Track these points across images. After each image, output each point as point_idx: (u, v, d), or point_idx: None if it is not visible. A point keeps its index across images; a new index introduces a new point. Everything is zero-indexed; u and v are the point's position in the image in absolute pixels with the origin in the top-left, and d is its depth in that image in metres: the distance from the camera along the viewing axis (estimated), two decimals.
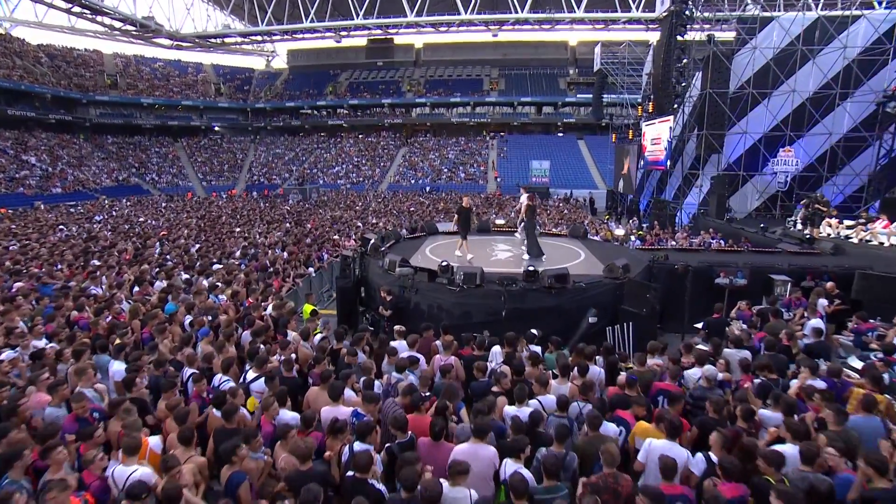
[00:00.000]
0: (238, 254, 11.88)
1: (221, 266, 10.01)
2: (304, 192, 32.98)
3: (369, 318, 9.38)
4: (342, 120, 57.06)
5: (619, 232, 14.03)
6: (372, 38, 60.55)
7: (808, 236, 12.91)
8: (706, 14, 19.75)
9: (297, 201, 30.71)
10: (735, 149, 20.08)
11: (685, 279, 8.69)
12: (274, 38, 55.63)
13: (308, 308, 8.26)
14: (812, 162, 19.62)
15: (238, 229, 16.68)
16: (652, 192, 27.94)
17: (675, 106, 19.81)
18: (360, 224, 18.68)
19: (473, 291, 7.98)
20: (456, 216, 10.38)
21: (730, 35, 20.81)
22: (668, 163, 21.65)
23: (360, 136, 57.09)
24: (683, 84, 19.20)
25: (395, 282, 8.71)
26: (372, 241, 10.25)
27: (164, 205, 30.02)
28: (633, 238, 14.10)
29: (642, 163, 25.43)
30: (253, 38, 55.66)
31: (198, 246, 12.84)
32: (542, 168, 43.06)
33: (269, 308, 7.59)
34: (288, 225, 17.95)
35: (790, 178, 19.26)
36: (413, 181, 46.30)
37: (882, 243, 13.49)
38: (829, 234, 14.36)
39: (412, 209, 25.96)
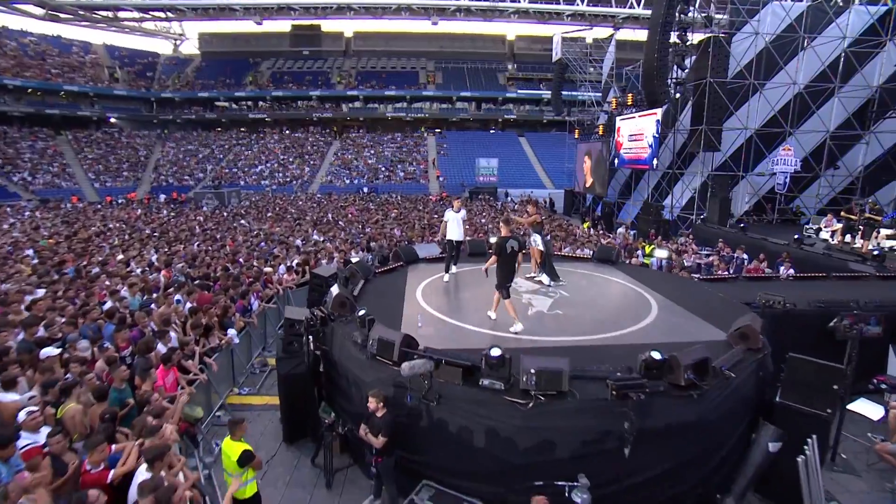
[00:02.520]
0: (107, 306, 7.18)
1: (58, 353, 5.39)
2: (222, 197, 27.21)
3: (341, 431, 5.35)
4: (264, 113, 50.81)
5: (662, 253, 10.99)
6: (297, 23, 54.65)
7: (877, 253, 10.57)
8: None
9: (213, 209, 25.01)
10: (731, 146, 17.99)
11: (848, 343, 5.61)
12: (182, 15, 47.88)
13: (237, 449, 4.10)
14: (806, 157, 18.03)
15: (121, 256, 11.58)
16: (622, 193, 25.83)
17: (677, 96, 17.30)
18: (297, 242, 14.17)
19: (557, 405, 4.25)
20: (494, 255, 6.21)
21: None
22: (655, 161, 19.23)
23: (286, 131, 51.18)
24: (686, 70, 16.68)
25: (393, 378, 4.77)
26: (336, 293, 6.16)
27: (27, 214, 23.09)
28: (658, 257, 11.09)
29: (617, 161, 23.01)
30: (154, 13, 47.54)
31: (38, 294, 7.87)
32: (490, 166, 40.62)
33: (140, 472, 3.37)
34: (196, 247, 13.03)
35: (788, 178, 17.47)
36: (348, 181, 41.82)
37: None
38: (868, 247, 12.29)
39: (358, 217, 21.62)
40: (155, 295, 7.98)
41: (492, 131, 54.57)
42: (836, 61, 17.62)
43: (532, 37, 60.51)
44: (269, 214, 21.89)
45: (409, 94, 52.95)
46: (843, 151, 18.53)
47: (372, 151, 48.03)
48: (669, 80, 17.02)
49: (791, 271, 10.81)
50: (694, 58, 17.49)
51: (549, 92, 52.45)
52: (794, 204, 18.98)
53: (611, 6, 44.20)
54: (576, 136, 29.38)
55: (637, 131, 20.42)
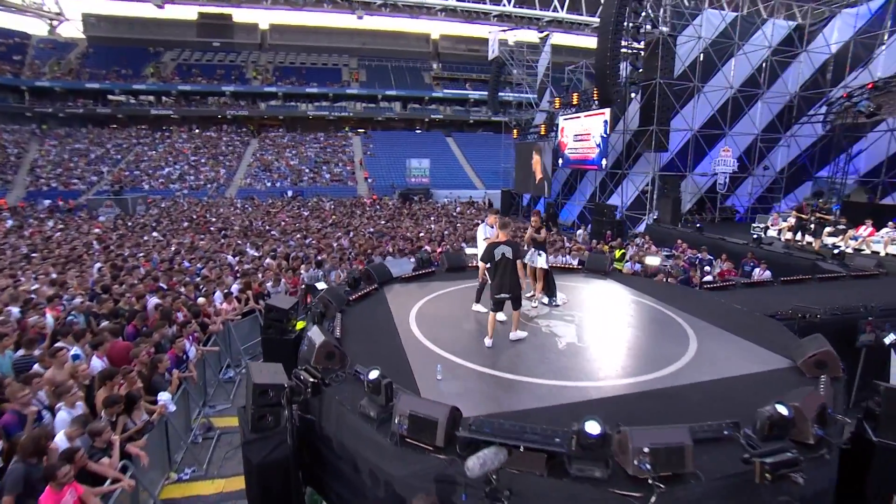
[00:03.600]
0: None
1: None
2: (125, 204, 23.24)
3: None
4: (170, 109, 45.55)
5: (654, 261, 10.40)
6: (204, 10, 49.76)
7: (836, 252, 10.82)
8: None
9: (114, 218, 21.18)
10: (677, 145, 18.33)
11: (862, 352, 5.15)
12: None
13: None
14: (741, 155, 18.92)
15: None
16: (562, 193, 25.92)
17: (633, 94, 17.21)
18: (230, 259, 11.90)
19: (680, 492, 3.11)
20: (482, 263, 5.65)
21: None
22: (604, 161, 19.16)
23: (196, 129, 46.34)
24: (640, 70, 16.58)
25: (437, 471, 3.35)
26: (321, 342, 4.56)
27: None
28: (650, 265, 10.51)
29: (561, 161, 22.83)
30: None
31: None
32: (422, 167, 39.70)
33: None
34: (98, 271, 10.32)
35: (727, 178, 18.16)
36: (269, 184, 38.68)
37: (877, 252, 12.19)
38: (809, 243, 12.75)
39: (293, 225, 19.34)
40: (38, 351, 5.70)
41: (418, 131, 53.67)
42: (763, 67, 18.64)
43: (457, 36, 60.54)
44: (186, 224, 18.82)
45: (332, 91, 50.49)
46: (768, 152, 19.72)
47: (294, 152, 45.13)
48: (621, 80, 16.92)
49: (767, 273, 10.76)
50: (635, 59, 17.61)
51: (477, 92, 52.83)
52: (729, 202, 19.88)
53: (535, 9, 44.95)
54: (514, 136, 29.07)
55: (583, 131, 20.29)
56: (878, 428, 4.31)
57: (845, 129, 16.47)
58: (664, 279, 10.21)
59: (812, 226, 12.37)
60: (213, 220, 20.23)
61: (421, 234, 15.69)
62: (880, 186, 17.06)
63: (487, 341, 5.40)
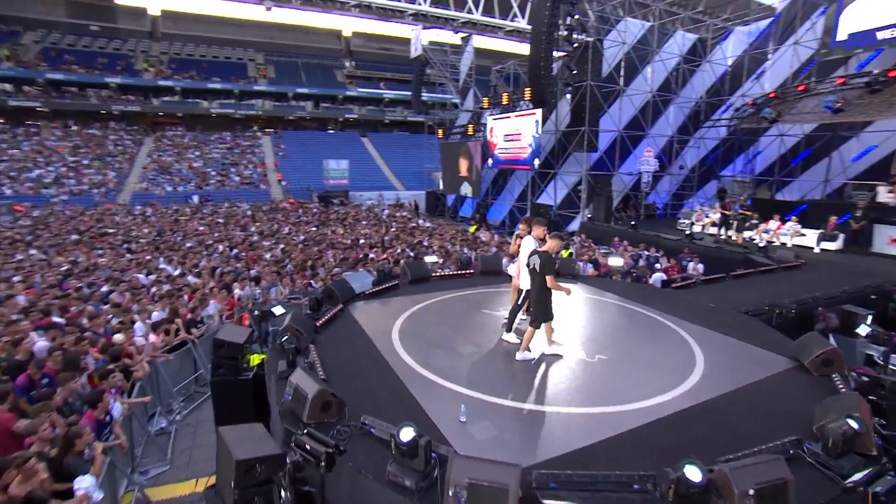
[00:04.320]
0: None
1: None
2: None
3: None
4: (36, 101, 38.95)
5: (617, 262, 10.34)
6: None
7: (761, 245, 11.70)
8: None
9: None
10: (605, 144, 19.06)
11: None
12: None
13: None
14: (659, 155, 20.18)
15: None
16: (488, 192, 26.04)
17: (567, 95, 17.46)
18: (142, 279, 9.95)
19: None
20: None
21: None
22: (536, 161, 19.40)
23: (73, 126, 40.20)
24: (575, 72, 16.85)
25: None
26: (317, 391, 3.62)
27: None
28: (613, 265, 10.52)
29: (492, 161, 22.83)
30: None
31: None
32: (341, 168, 38.21)
33: None
34: None
35: (650, 177, 19.23)
36: (170, 188, 34.70)
37: (785, 244, 13.47)
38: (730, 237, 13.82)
39: (207, 234, 17.17)
40: None
41: (331, 131, 51.53)
42: (675, 74, 20.03)
43: (369, 34, 58.91)
44: (75, 237, 15.78)
45: (238, 88, 46.63)
46: (681, 152, 21.31)
47: (197, 153, 41.01)
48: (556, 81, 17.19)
49: (700, 266, 11.34)
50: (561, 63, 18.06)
51: (392, 92, 51.88)
52: (650, 199, 21.16)
53: (450, 9, 45.02)
54: (439, 137, 28.71)
55: (514, 131, 20.42)
56: (888, 425, 4.36)
57: (744, 133, 18.20)
58: (619, 278, 10.32)
59: (734, 221, 13.35)
60: (111, 230, 17.25)
61: (361, 241, 14.63)
62: (775, 184, 19.13)
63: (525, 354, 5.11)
